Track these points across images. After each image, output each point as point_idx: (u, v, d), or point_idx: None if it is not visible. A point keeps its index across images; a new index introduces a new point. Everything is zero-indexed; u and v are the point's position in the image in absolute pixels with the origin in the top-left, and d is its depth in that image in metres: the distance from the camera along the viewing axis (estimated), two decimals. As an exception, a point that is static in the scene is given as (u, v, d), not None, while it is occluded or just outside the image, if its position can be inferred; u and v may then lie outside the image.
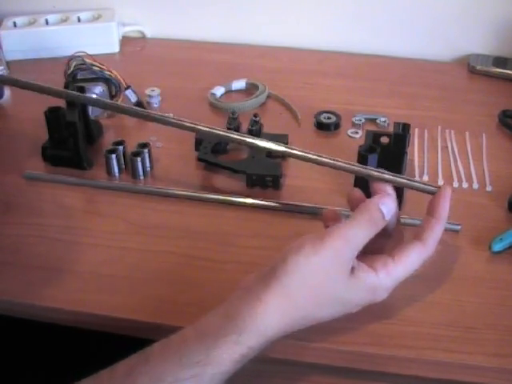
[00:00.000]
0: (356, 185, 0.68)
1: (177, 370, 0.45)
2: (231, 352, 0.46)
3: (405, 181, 0.56)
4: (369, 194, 0.56)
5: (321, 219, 0.57)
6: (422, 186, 0.56)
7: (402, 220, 0.64)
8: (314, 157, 0.59)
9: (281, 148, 0.60)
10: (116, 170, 0.71)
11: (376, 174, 0.55)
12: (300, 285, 0.48)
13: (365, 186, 0.65)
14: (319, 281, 0.49)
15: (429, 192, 0.55)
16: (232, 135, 0.61)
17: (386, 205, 0.52)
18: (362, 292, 0.51)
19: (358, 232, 0.50)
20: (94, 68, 0.80)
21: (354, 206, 0.54)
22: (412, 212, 0.65)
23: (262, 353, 0.48)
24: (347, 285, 0.50)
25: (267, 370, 0.58)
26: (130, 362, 0.46)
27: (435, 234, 0.53)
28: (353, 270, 0.50)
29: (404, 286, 0.57)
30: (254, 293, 0.48)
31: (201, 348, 0.46)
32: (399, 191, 0.65)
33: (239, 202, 0.67)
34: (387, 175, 0.55)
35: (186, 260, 0.60)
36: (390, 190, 0.54)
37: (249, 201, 0.67)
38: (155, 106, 0.85)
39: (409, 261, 0.52)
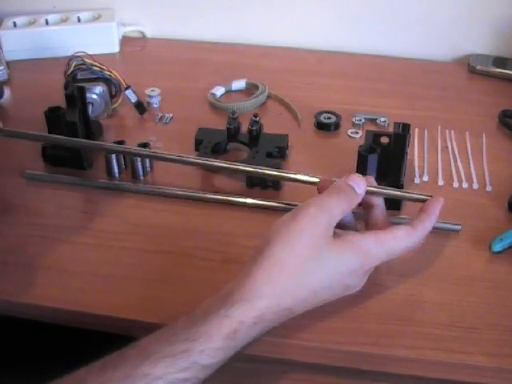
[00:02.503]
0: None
1: (166, 346, 0.45)
2: (220, 326, 0.46)
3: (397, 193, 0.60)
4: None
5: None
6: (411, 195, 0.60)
7: (402, 220, 0.64)
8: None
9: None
10: (116, 170, 0.71)
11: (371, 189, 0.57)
12: (284, 252, 0.50)
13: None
14: (302, 246, 0.50)
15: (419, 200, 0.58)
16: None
17: (353, 181, 0.54)
18: (350, 253, 0.51)
19: (330, 200, 0.52)
20: (94, 68, 0.80)
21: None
22: (412, 212, 0.65)
23: (258, 334, 0.48)
24: (332, 247, 0.51)
25: (267, 369, 0.58)
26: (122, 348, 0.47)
27: (425, 224, 0.55)
28: (338, 235, 0.52)
29: (404, 285, 0.57)
30: (243, 271, 0.50)
31: (189, 325, 0.46)
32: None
33: (239, 202, 0.67)
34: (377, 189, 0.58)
35: (186, 260, 0.60)
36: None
37: (249, 201, 0.67)
38: (155, 105, 0.85)
39: (398, 234, 0.53)
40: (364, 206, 0.58)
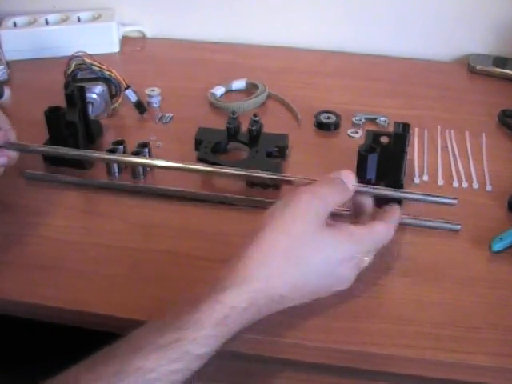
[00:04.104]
0: (357, 181, 0.68)
1: (157, 337, 0.45)
2: (212, 312, 0.46)
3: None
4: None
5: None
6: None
7: (403, 220, 0.64)
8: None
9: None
10: (116, 170, 0.71)
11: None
12: (278, 236, 0.50)
13: (368, 184, 0.65)
14: (296, 230, 0.50)
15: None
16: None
17: (344, 175, 0.55)
18: (343, 239, 0.52)
19: (322, 189, 0.53)
20: (94, 68, 0.80)
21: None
22: (412, 212, 0.65)
23: (249, 321, 0.48)
24: (326, 233, 0.51)
25: (267, 369, 0.58)
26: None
27: (395, 217, 0.57)
28: (331, 224, 0.53)
29: (404, 285, 0.57)
30: (235, 257, 0.50)
31: (180, 314, 0.46)
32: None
33: (239, 202, 0.67)
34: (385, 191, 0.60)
35: (186, 260, 0.60)
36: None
37: (249, 201, 0.67)
38: (155, 105, 0.85)
39: (385, 226, 0.55)
40: (354, 205, 0.59)
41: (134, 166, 0.70)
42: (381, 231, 0.55)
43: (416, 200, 0.62)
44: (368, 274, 0.58)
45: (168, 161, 0.67)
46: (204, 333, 0.45)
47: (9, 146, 0.64)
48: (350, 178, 0.56)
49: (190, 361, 0.45)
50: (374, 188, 0.60)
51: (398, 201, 0.65)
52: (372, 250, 0.55)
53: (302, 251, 0.50)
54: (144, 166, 0.70)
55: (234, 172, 0.66)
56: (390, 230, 0.56)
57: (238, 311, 0.47)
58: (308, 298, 0.52)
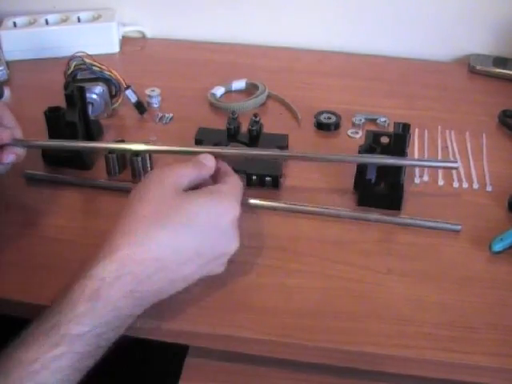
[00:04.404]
0: (357, 182, 0.68)
1: (37, 326, 0.46)
2: (82, 289, 0.46)
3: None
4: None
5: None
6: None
7: (403, 220, 0.64)
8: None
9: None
10: (116, 170, 0.71)
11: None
12: (138, 204, 0.52)
13: (368, 185, 0.65)
14: (154, 196, 0.52)
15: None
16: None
17: (203, 156, 0.58)
18: (202, 195, 0.53)
19: (175, 165, 0.55)
20: (94, 68, 0.80)
21: None
22: (412, 212, 0.65)
23: (126, 292, 0.48)
24: (184, 196, 0.53)
25: (266, 369, 0.58)
26: None
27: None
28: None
29: (404, 285, 0.57)
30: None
31: (58, 298, 0.47)
32: (399, 191, 0.65)
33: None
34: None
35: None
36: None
37: (248, 200, 0.67)
38: (155, 105, 0.85)
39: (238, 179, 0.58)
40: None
41: (134, 166, 0.70)
42: (235, 183, 0.57)
43: (414, 166, 0.64)
44: (368, 273, 0.58)
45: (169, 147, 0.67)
46: (78, 311, 0.46)
47: (16, 142, 0.64)
48: (207, 157, 0.58)
49: (70, 342, 0.45)
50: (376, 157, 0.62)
51: (397, 202, 0.65)
52: (237, 200, 0.56)
53: (165, 215, 0.51)
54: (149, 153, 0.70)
55: (234, 151, 0.66)
56: (238, 179, 0.58)
57: (109, 282, 0.47)
58: (197, 262, 0.52)
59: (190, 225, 0.51)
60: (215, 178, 0.59)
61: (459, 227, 0.63)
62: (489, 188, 0.70)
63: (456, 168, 0.63)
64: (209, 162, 0.58)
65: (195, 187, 0.55)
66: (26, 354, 0.44)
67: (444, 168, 0.68)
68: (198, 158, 0.58)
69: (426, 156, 0.75)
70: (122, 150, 0.69)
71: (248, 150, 0.69)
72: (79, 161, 0.72)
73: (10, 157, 0.63)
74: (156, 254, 0.49)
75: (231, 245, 0.54)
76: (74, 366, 0.45)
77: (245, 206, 0.67)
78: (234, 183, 0.57)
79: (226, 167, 0.60)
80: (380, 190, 0.66)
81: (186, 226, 0.51)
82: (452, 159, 0.62)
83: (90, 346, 0.46)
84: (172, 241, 0.50)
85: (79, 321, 0.45)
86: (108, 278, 0.47)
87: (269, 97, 0.88)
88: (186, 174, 0.55)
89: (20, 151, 0.64)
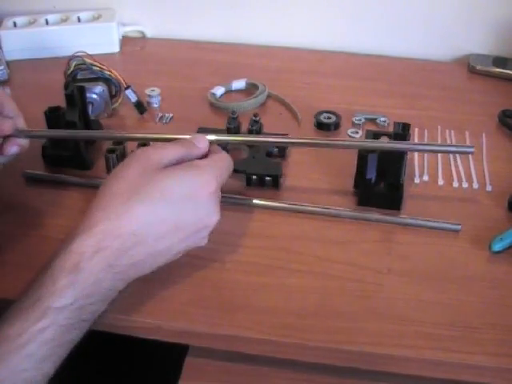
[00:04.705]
0: (357, 182, 0.68)
1: (21, 302, 0.47)
2: (63, 263, 0.48)
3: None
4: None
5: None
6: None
7: (403, 220, 0.64)
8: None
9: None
10: (116, 169, 0.71)
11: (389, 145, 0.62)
12: (115, 181, 0.52)
13: (368, 185, 0.65)
14: (131, 173, 0.52)
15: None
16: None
17: (195, 137, 0.58)
18: (180, 171, 0.53)
19: (167, 145, 0.56)
20: (94, 68, 0.80)
21: None
22: (412, 212, 0.65)
23: (106, 265, 0.49)
24: (163, 171, 0.53)
25: (267, 369, 0.58)
26: None
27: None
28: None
29: (404, 285, 0.57)
30: None
31: (39, 275, 0.48)
32: (399, 191, 0.65)
33: (239, 202, 0.67)
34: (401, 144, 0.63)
35: (186, 260, 0.60)
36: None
37: (248, 200, 0.67)
38: (155, 105, 0.85)
39: (222, 153, 0.58)
40: None
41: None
42: (218, 159, 0.57)
43: (427, 151, 0.67)
44: (368, 273, 0.58)
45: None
46: (60, 284, 0.47)
47: (18, 133, 0.62)
48: (200, 139, 0.58)
49: (54, 315, 0.46)
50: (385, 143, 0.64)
51: (397, 202, 0.65)
52: (219, 175, 0.56)
53: (142, 190, 0.51)
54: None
55: (237, 138, 0.67)
56: (225, 155, 0.58)
57: (88, 255, 0.48)
58: (176, 235, 0.53)
59: (166, 199, 0.52)
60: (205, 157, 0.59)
61: (459, 227, 0.63)
62: (488, 188, 0.70)
63: (471, 153, 0.62)
64: (200, 143, 0.58)
65: None
66: (12, 328, 0.45)
67: (458, 153, 0.67)
68: (189, 138, 0.58)
69: (425, 156, 0.75)
70: (125, 138, 0.70)
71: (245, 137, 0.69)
72: (79, 161, 0.72)
73: (12, 148, 0.62)
74: (133, 228, 0.50)
75: (211, 217, 0.55)
76: (59, 338, 0.46)
77: (245, 206, 0.67)
78: (215, 158, 0.57)
79: (215, 147, 0.60)
80: (380, 189, 0.66)
81: (163, 201, 0.52)
82: (467, 144, 0.61)
83: (73, 319, 0.47)
84: (149, 215, 0.51)
85: (61, 294, 0.47)
86: (87, 252, 0.48)
87: (269, 97, 0.88)
88: (171, 152, 0.55)
89: (23, 142, 0.63)
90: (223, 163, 0.57)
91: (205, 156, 0.58)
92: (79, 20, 1.00)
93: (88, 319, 0.49)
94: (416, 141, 0.77)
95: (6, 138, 0.62)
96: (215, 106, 0.85)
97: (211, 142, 0.59)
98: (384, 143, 0.64)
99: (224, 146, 0.74)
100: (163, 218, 0.52)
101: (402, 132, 0.64)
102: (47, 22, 1.00)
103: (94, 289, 0.48)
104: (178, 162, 0.55)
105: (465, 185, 0.70)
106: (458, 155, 0.75)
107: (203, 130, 0.75)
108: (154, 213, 0.51)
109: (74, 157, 0.71)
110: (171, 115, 0.83)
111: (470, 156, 0.75)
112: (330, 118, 0.81)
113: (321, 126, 0.81)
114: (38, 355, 0.45)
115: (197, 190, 0.53)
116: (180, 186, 0.53)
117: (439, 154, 0.75)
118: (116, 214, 0.50)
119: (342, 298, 0.56)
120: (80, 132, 0.70)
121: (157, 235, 0.52)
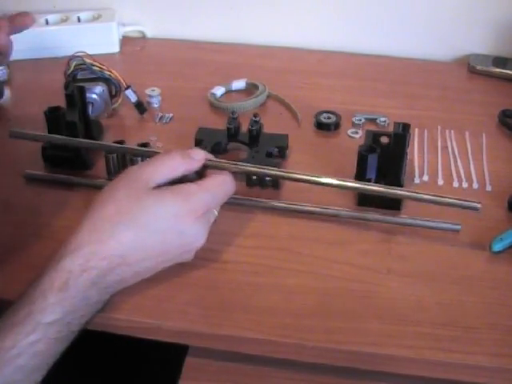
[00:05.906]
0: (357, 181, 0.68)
1: (12, 316, 0.48)
2: (53, 281, 0.49)
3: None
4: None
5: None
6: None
7: (403, 220, 0.64)
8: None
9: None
10: (116, 170, 0.71)
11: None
12: (104, 202, 0.54)
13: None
14: (119, 195, 0.54)
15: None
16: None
17: (194, 150, 0.59)
18: (169, 196, 0.54)
19: (152, 159, 0.57)
20: (94, 68, 0.80)
21: None
22: (412, 212, 0.65)
23: (93, 283, 0.50)
24: (151, 195, 0.54)
25: (267, 369, 0.58)
26: None
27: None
28: (163, 187, 0.55)
29: (404, 285, 0.57)
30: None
31: (29, 290, 0.49)
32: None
33: (239, 202, 0.67)
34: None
35: (186, 260, 0.60)
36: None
37: (249, 201, 0.67)
38: (155, 105, 0.85)
39: (217, 178, 0.58)
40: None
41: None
42: (213, 183, 0.57)
43: (429, 202, 0.61)
44: (368, 273, 0.58)
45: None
46: (49, 301, 0.48)
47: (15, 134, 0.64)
48: (197, 152, 0.59)
49: (44, 330, 0.47)
50: (382, 187, 0.61)
51: (398, 202, 0.65)
52: (211, 201, 0.56)
53: (130, 213, 0.53)
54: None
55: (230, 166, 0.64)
56: (226, 179, 0.58)
57: (75, 275, 0.50)
58: (162, 258, 0.55)
59: (151, 226, 0.53)
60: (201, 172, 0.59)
61: (459, 227, 0.63)
62: (488, 188, 0.70)
63: (477, 209, 0.59)
64: (197, 156, 0.58)
65: (177, 180, 0.56)
66: (3, 342, 0.46)
67: (463, 208, 0.61)
68: (187, 151, 0.58)
69: (425, 156, 0.75)
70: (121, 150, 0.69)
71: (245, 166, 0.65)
72: (79, 161, 0.72)
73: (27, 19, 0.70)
74: (119, 251, 0.52)
75: (198, 241, 0.56)
76: (50, 350, 0.48)
77: (244, 206, 0.67)
78: (209, 182, 0.57)
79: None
80: (380, 190, 0.66)
81: (148, 227, 0.53)
82: (474, 200, 0.59)
83: (62, 332, 0.49)
84: (134, 241, 0.53)
85: (51, 310, 0.48)
86: (75, 271, 0.50)
87: (269, 97, 0.88)
88: (164, 171, 0.56)
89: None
90: (218, 188, 0.58)
91: (204, 174, 0.59)
92: (79, 20, 1.00)
93: (76, 330, 0.51)
94: (416, 141, 0.77)
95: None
96: (215, 106, 0.85)
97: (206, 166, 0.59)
98: (389, 189, 0.62)
99: (224, 146, 0.74)
100: (148, 244, 0.53)
101: (402, 132, 0.64)
102: (47, 22, 1.00)
103: (82, 304, 0.50)
104: (170, 181, 0.56)
105: (465, 185, 0.70)
106: (457, 154, 0.75)
107: (203, 130, 0.75)
108: (140, 239, 0.53)
109: (74, 157, 0.71)
110: (171, 115, 0.83)
111: (469, 156, 0.75)
112: (329, 118, 0.81)
113: (321, 126, 0.81)
114: (29, 366, 0.47)
115: (183, 217, 0.54)
116: (166, 211, 0.54)
117: (439, 154, 0.75)
118: (103, 238, 0.52)
119: (342, 298, 0.56)
120: (73, 139, 0.70)
121: (142, 258, 0.54)
